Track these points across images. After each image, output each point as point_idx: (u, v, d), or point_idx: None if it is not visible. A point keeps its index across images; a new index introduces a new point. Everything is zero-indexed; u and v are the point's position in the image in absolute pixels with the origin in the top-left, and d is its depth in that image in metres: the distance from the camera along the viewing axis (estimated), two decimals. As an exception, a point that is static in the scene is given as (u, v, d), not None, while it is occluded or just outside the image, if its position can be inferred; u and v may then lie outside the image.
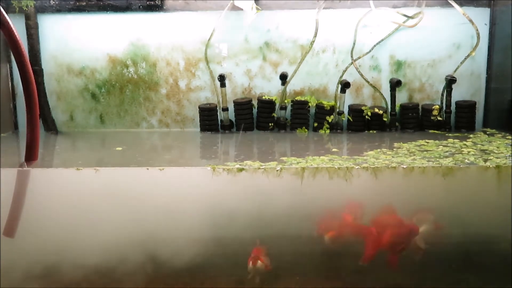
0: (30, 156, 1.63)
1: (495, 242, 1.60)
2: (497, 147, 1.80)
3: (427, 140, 1.97)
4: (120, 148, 1.93)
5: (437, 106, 2.26)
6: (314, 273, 1.60)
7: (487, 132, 2.17)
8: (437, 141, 1.96)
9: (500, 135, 2.10)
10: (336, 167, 1.52)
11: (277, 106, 2.31)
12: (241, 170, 1.51)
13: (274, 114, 2.31)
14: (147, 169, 1.54)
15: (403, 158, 1.65)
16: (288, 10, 2.29)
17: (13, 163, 1.67)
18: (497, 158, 1.61)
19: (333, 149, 1.80)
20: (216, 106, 2.32)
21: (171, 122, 2.39)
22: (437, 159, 1.62)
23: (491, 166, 1.53)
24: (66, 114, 2.38)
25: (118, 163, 1.73)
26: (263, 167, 1.52)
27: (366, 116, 2.27)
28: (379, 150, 1.79)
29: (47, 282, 1.55)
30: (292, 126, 2.32)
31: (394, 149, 1.82)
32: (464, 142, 1.93)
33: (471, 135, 2.10)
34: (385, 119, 2.28)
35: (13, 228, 1.54)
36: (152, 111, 2.38)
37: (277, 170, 1.51)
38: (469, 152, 1.74)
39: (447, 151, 1.76)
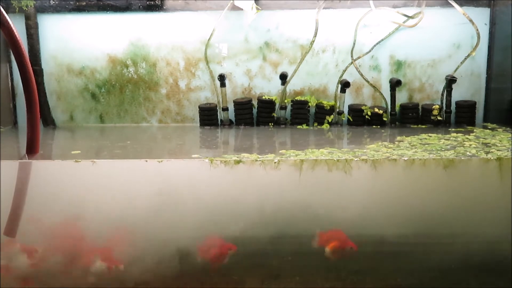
0: (32, 149, 1.63)
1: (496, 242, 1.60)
2: (500, 141, 1.80)
3: (429, 134, 1.97)
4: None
5: (437, 106, 2.25)
6: (314, 272, 1.60)
7: (488, 127, 2.17)
8: (439, 135, 1.96)
9: (501, 129, 2.10)
10: (335, 159, 1.51)
11: (277, 106, 2.31)
12: (238, 162, 1.50)
13: (274, 114, 2.31)
14: (146, 161, 1.53)
15: (404, 150, 1.64)
16: (288, 10, 2.29)
17: (15, 157, 1.67)
18: (498, 150, 1.60)
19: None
20: (216, 106, 2.32)
21: (171, 121, 2.39)
22: (438, 152, 1.61)
23: (492, 158, 1.52)
24: (66, 114, 2.38)
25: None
26: (260, 159, 1.51)
27: (366, 116, 2.27)
28: (380, 143, 1.79)
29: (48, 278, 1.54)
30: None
31: (396, 142, 1.82)
32: (467, 136, 1.92)
33: (475, 129, 2.10)
34: (385, 118, 2.28)
35: (14, 227, 1.54)
36: (152, 111, 2.38)
37: (275, 162, 1.50)
38: (470, 145, 1.73)
39: (448, 144, 1.76)
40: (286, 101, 2.32)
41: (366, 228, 1.57)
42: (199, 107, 2.32)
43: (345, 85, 2.27)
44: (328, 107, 2.28)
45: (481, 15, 2.27)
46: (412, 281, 1.60)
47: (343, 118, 2.31)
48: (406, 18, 2.24)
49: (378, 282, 1.59)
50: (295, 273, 1.59)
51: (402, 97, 2.35)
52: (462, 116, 2.28)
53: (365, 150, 1.65)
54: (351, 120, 2.29)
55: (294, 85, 2.33)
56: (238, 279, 1.57)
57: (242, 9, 2.20)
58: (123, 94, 2.36)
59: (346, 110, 2.32)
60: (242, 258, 1.56)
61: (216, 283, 1.57)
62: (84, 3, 2.26)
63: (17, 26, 1.61)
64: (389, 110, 2.30)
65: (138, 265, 1.52)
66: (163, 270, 1.53)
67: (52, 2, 2.25)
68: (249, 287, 1.55)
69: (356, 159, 1.52)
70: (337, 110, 2.30)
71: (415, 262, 1.60)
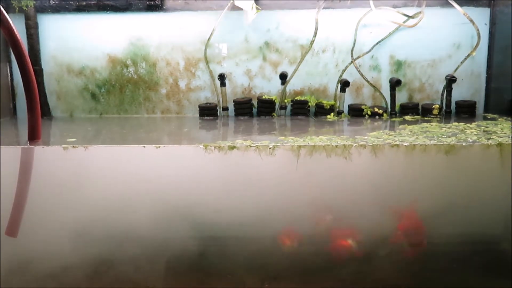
0: (33, 136, 1.63)
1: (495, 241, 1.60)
2: (501, 129, 1.79)
3: (431, 123, 1.97)
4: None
5: (437, 106, 2.25)
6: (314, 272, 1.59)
7: (489, 117, 2.18)
8: (441, 124, 1.96)
9: (502, 119, 2.10)
10: (333, 145, 1.49)
11: (277, 106, 2.31)
12: (232, 148, 1.49)
13: (274, 113, 2.31)
14: (144, 147, 1.53)
15: (405, 137, 1.63)
16: (288, 10, 2.29)
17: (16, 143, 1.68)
18: (499, 137, 1.60)
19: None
20: (216, 106, 2.32)
21: (171, 122, 2.40)
22: (439, 138, 1.60)
23: (492, 143, 1.51)
24: (66, 114, 2.38)
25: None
26: (254, 144, 1.50)
27: (366, 115, 2.27)
28: (382, 131, 1.78)
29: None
30: (292, 126, 2.32)
31: (397, 130, 1.82)
32: (468, 125, 1.92)
33: (476, 119, 2.12)
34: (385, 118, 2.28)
35: (15, 226, 1.54)
36: (152, 111, 2.38)
37: (270, 148, 1.48)
38: (471, 132, 1.73)
39: (450, 132, 1.75)
40: (286, 101, 2.32)
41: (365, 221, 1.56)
42: (199, 106, 2.32)
43: (344, 84, 2.27)
44: (328, 107, 2.28)
45: (481, 15, 2.27)
46: (412, 281, 1.60)
47: (343, 118, 2.31)
48: (406, 18, 2.24)
49: (378, 282, 1.59)
50: (295, 273, 1.59)
51: (402, 97, 2.35)
52: (462, 116, 2.27)
53: (365, 137, 1.64)
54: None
55: (294, 85, 2.33)
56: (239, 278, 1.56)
57: (242, 9, 2.20)
58: (123, 94, 2.36)
59: (346, 109, 2.32)
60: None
61: (216, 283, 1.57)
62: (84, 3, 2.26)
63: (17, 26, 1.61)
64: (389, 109, 2.30)
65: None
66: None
67: (52, 2, 2.26)
68: (249, 287, 1.55)
69: (354, 144, 1.50)
70: (337, 109, 2.30)
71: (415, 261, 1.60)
